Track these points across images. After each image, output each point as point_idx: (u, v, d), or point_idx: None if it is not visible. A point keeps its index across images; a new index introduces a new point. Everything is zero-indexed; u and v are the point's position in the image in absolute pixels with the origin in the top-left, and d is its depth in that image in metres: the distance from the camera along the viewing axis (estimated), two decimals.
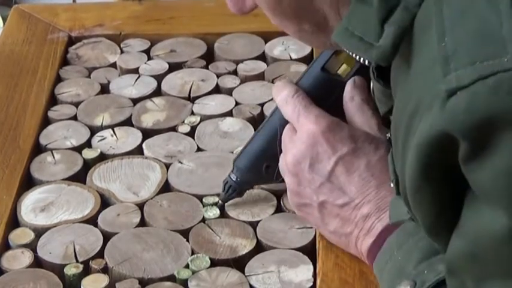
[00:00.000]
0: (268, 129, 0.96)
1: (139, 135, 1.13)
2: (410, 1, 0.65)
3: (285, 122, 0.93)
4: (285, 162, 0.91)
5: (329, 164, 0.88)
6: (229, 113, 1.16)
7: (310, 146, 0.88)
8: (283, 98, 0.92)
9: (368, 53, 0.69)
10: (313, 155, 0.88)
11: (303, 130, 0.89)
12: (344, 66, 0.94)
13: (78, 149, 1.10)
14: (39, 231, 0.98)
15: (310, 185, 0.89)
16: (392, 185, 0.74)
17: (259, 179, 0.98)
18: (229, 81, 1.22)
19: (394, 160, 0.72)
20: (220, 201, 1.00)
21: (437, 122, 0.59)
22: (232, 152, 1.08)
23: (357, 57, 0.74)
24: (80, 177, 1.07)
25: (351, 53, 0.73)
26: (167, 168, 1.06)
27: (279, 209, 1.00)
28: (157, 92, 1.21)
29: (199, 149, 1.10)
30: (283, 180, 0.94)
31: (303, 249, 0.95)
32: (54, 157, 1.09)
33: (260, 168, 0.96)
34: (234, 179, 0.98)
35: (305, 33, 0.80)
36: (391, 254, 0.82)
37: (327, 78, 0.94)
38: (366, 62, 0.74)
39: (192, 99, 1.19)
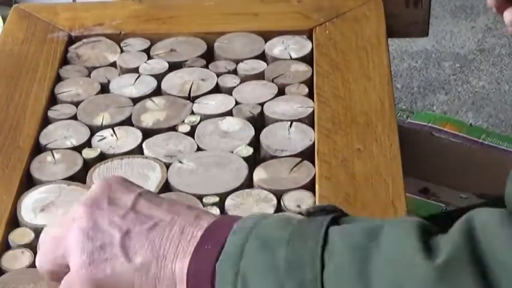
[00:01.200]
0: None
1: (139, 134, 1.13)
2: None
3: None
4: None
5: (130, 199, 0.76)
6: (229, 113, 1.16)
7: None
8: None
9: None
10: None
11: None
12: None
13: (78, 149, 1.10)
14: (39, 231, 0.98)
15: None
16: None
17: None
18: (229, 81, 1.22)
19: None
20: None
21: None
22: (232, 152, 1.08)
23: None
24: (80, 177, 1.07)
25: None
26: (167, 168, 1.06)
27: (279, 209, 1.00)
28: (157, 92, 1.21)
29: (199, 149, 1.10)
30: None
31: None
32: (54, 157, 1.09)
33: None
34: None
35: None
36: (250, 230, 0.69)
37: None
38: None
39: (192, 99, 1.19)
